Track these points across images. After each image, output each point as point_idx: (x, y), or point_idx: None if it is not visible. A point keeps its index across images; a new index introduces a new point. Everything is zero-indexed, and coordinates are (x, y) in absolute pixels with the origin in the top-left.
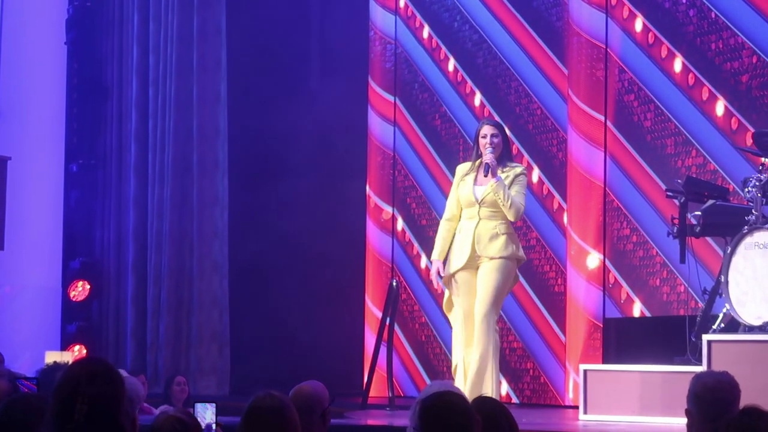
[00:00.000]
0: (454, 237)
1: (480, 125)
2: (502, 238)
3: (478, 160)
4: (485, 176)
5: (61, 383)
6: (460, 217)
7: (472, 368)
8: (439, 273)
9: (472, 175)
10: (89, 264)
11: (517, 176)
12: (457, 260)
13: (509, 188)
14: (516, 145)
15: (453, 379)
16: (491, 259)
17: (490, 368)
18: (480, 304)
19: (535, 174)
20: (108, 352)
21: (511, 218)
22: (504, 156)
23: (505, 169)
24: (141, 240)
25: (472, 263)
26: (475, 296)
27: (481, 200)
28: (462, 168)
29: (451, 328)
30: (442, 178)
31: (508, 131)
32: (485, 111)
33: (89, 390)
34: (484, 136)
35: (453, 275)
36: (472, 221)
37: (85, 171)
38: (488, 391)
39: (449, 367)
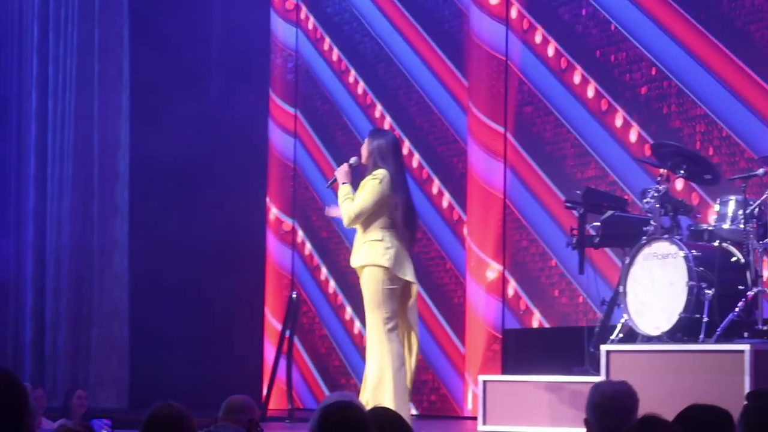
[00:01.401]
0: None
1: None
2: (364, 247)
3: None
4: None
5: None
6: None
7: (370, 383)
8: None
9: None
10: None
11: (366, 182)
12: None
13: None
14: (416, 157)
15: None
16: (357, 268)
17: (388, 379)
18: (367, 322)
19: (435, 186)
20: (6, 365)
21: (344, 223)
22: (374, 164)
23: (368, 177)
24: (40, 253)
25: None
26: None
27: None
28: None
29: (351, 341)
30: None
31: (408, 143)
32: (386, 123)
33: None
34: None
35: None
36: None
37: None
38: (389, 403)
39: (348, 379)
